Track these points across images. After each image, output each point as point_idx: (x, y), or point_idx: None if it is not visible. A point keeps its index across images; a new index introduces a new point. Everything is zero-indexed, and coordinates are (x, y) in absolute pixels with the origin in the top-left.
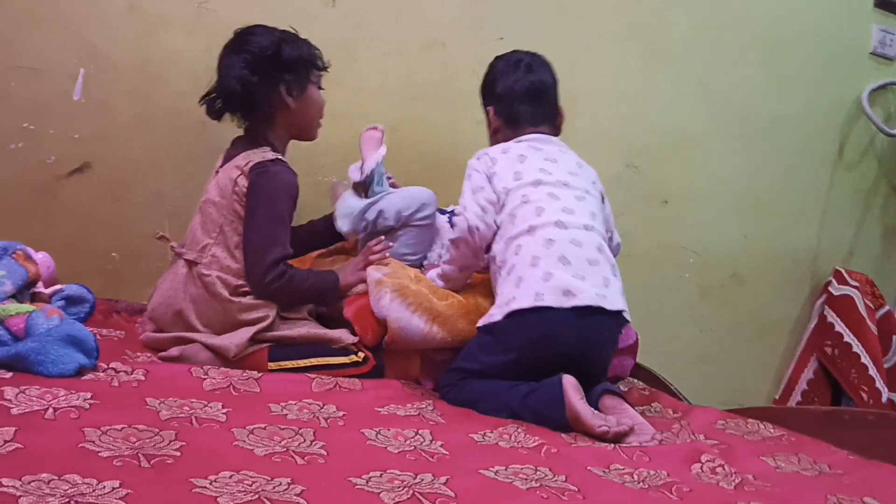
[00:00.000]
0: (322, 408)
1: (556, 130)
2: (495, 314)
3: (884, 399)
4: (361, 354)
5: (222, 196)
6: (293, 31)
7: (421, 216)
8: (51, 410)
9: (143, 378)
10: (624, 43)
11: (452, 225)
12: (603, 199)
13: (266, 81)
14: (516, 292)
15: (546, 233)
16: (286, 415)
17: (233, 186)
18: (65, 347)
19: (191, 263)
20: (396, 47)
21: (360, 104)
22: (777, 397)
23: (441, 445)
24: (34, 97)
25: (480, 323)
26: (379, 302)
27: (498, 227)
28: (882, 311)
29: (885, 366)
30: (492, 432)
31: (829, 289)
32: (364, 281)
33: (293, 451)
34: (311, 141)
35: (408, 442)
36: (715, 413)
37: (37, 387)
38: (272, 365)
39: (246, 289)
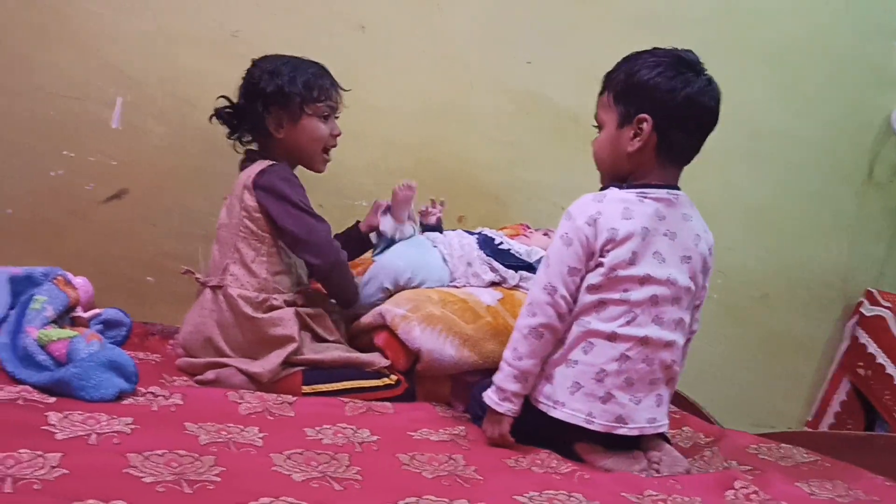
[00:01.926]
0: (356, 432)
1: None
2: (539, 400)
3: None
4: (394, 377)
5: (231, 217)
6: (308, 61)
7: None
8: (94, 435)
9: (181, 402)
10: None
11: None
12: (706, 272)
13: (253, 109)
14: (568, 398)
15: (626, 348)
16: (321, 439)
17: (240, 204)
18: (105, 372)
19: (214, 289)
20: (419, 68)
21: (382, 125)
22: (809, 419)
23: (475, 470)
24: (74, 125)
25: (518, 388)
26: (410, 334)
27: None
28: None
29: None
30: (524, 458)
31: (861, 309)
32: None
33: (330, 477)
34: (317, 172)
35: (442, 467)
36: (747, 437)
37: (79, 412)
38: (306, 388)
39: (270, 302)
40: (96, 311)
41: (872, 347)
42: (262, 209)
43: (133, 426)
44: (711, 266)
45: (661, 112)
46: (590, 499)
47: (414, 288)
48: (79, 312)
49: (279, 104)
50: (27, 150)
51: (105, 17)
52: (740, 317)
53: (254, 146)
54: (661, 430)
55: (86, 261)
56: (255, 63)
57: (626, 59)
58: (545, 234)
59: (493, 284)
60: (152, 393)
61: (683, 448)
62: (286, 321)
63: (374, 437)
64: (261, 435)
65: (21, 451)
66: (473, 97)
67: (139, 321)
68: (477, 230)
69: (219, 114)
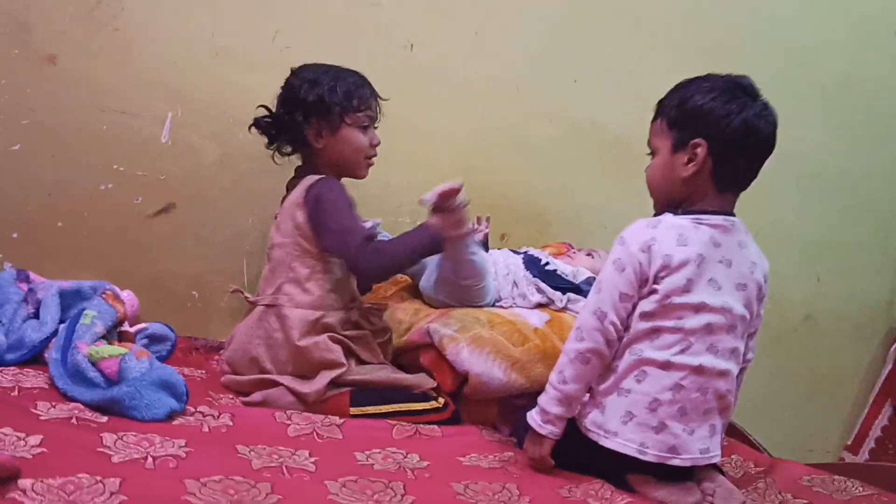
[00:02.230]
0: (406, 457)
1: None
2: (590, 429)
3: None
4: (441, 400)
5: (284, 236)
6: (348, 70)
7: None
8: (150, 459)
9: (230, 423)
10: None
11: (537, 269)
12: (761, 300)
13: (292, 119)
14: (620, 428)
15: (681, 377)
16: (372, 465)
17: (292, 222)
18: (157, 392)
19: (267, 307)
20: (467, 89)
21: (429, 146)
22: (848, 443)
23: (529, 501)
24: (124, 140)
25: (562, 412)
26: (458, 356)
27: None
28: None
29: None
30: (577, 487)
31: None
32: (454, 217)
33: None
34: (360, 179)
35: (496, 497)
36: (799, 468)
37: (133, 433)
38: (354, 410)
39: (325, 320)
40: (142, 325)
41: None
42: (311, 224)
43: (187, 448)
44: (766, 294)
45: (716, 137)
46: None
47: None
48: (125, 327)
49: (319, 114)
50: (79, 165)
51: (163, 39)
52: (783, 340)
53: (297, 160)
54: (713, 461)
55: (132, 274)
56: (295, 72)
57: (680, 85)
58: (588, 255)
59: (539, 306)
60: (201, 412)
61: (734, 478)
62: (334, 348)
63: (425, 463)
64: (312, 459)
65: (80, 475)
66: (521, 120)
67: (183, 336)
68: (522, 250)
69: (257, 123)
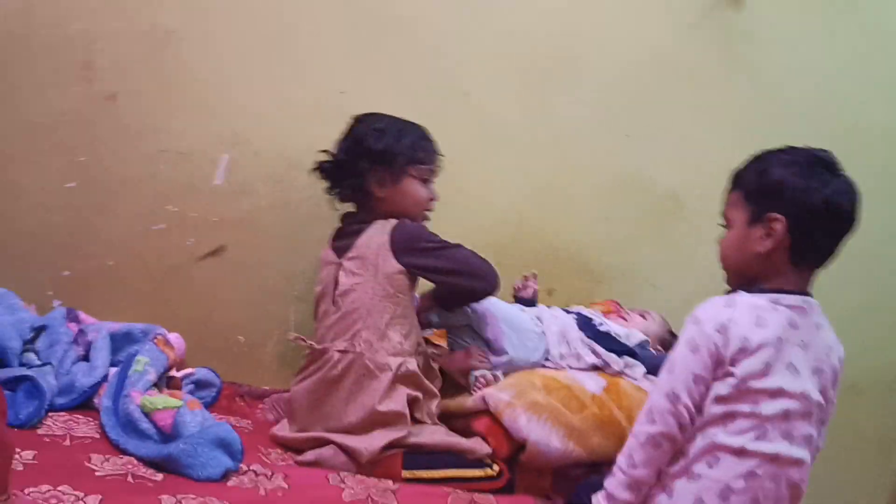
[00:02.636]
0: None
1: None
2: None
3: None
4: (496, 468)
5: (363, 280)
6: (412, 123)
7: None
8: None
9: (285, 486)
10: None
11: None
12: (835, 386)
13: (355, 167)
14: None
15: (755, 465)
16: None
17: (377, 269)
18: (214, 451)
19: (341, 354)
20: (521, 142)
21: (481, 194)
22: None
23: None
24: (179, 180)
25: (630, 498)
26: (516, 423)
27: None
28: None
29: None
30: None
31: None
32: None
33: None
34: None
35: None
36: None
37: (192, 496)
38: (406, 473)
39: (406, 367)
40: (189, 370)
41: None
42: (406, 268)
43: None
44: (840, 379)
45: (795, 212)
46: None
47: (499, 351)
48: (172, 372)
49: (384, 163)
50: (133, 204)
51: (223, 84)
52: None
53: (351, 207)
54: None
55: (179, 316)
56: (360, 119)
57: (759, 157)
58: (642, 316)
59: (594, 368)
60: (254, 471)
61: None
62: (401, 400)
63: None
64: None
65: None
66: (571, 172)
67: (227, 381)
68: (574, 309)
69: (321, 167)
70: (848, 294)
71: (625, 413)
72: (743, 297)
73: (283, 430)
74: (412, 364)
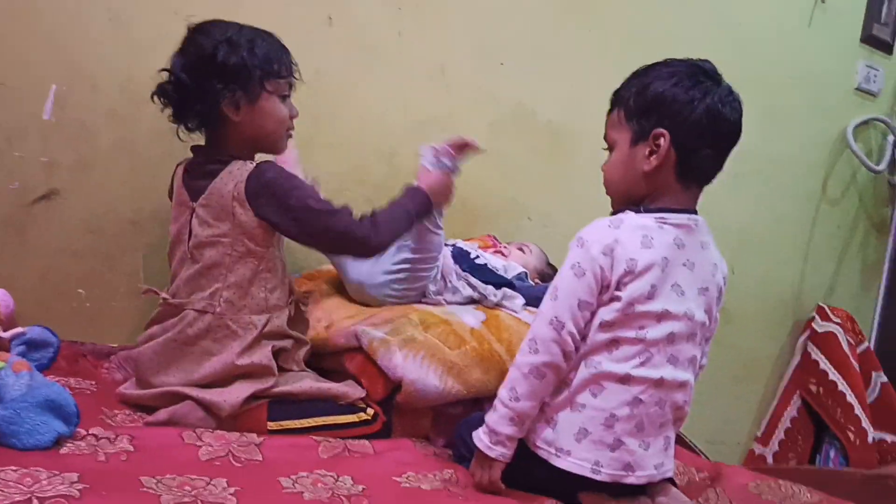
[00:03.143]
0: (337, 480)
1: None
2: (539, 446)
3: (870, 439)
4: (371, 411)
5: (218, 235)
6: (260, 30)
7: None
8: (36, 503)
9: (131, 449)
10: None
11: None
12: (719, 304)
13: (203, 90)
14: (574, 446)
15: (640, 391)
16: (301, 493)
17: (230, 220)
18: (42, 414)
19: (199, 314)
20: (395, 72)
21: (357, 133)
22: (759, 435)
23: None
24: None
25: (513, 432)
26: (391, 362)
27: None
28: (862, 348)
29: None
30: None
31: (813, 325)
32: (447, 181)
33: None
34: (279, 154)
35: None
36: (744, 474)
37: (13, 467)
38: (272, 425)
39: (273, 323)
40: (18, 329)
41: (824, 364)
42: (262, 222)
43: (81, 486)
44: (724, 296)
45: (678, 126)
46: None
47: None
48: None
49: (238, 81)
50: None
51: (53, 7)
52: None
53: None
54: (667, 476)
55: (7, 270)
56: (199, 30)
57: (638, 73)
58: (520, 249)
59: (471, 302)
60: (94, 435)
61: (679, 486)
62: (266, 353)
63: (360, 488)
64: (231, 490)
65: None
66: (449, 105)
67: (67, 340)
68: (450, 242)
69: (162, 90)
70: (724, 217)
71: (504, 346)
72: (629, 217)
73: (130, 387)
74: (280, 319)
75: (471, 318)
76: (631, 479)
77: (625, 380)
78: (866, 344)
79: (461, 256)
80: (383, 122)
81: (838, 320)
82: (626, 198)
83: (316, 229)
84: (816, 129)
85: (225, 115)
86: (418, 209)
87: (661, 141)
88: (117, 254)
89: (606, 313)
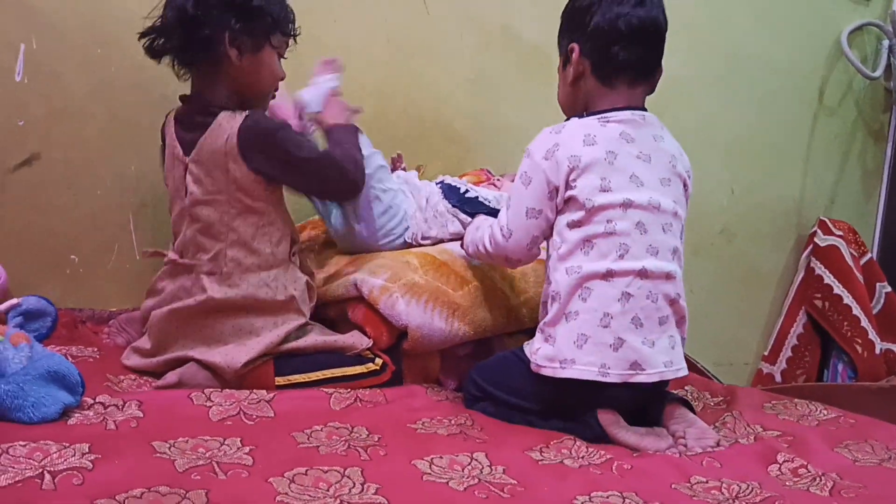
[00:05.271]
0: (352, 431)
1: (651, 90)
2: (543, 365)
3: (877, 350)
4: (379, 361)
5: (214, 192)
6: None
7: None
8: (48, 477)
9: (140, 414)
10: None
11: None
12: (687, 197)
13: (209, 20)
14: (577, 353)
15: (626, 284)
16: (318, 447)
17: (225, 176)
18: (45, 386)
19: (206, 275)
20: (378, 2)
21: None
22: (766, 353)
23: (504, 471)
24: None
25: (523, 351)
26: (394, 309)
27: (560, 240)
28: (865, 259)
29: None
30: (548, 448)
31: (815, 239)
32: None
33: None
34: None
35: (466, 471)
36: (758, 395)
37: (21, 442)
38: (280, 380)
39: (284, 279)
40: (13, 301)
41: (829, 278)
42: (257, 176)
43: (93, 456)
44: (691, 190)
45: (582, 35)
46: (647, 499)
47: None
48: None
49: (250, 22)
50: None
51: None
52: (701, 253)
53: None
54: (680, 375)
55: None
56: None
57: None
58: (513, 180)
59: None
60: (102, 404)
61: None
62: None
63: (376, 437)
64: (246, 449)
65: None
66: (433, 30)
67: (64, 308)
68: (438, 179)
69: (162, 25)
70: (714, 136)
71: (507, 282)
72: (572, 122)
73: (135, 356)
74: (288, 273)
75: None
76: (641, 378)
77: (608, 276)
78: (869, 255)
79: (451, 192)
80: (367, 54)
81: (840, 233)
82: (573, 114)
83: (314, 178)
84: (810, 34)
85: (225, 54)
86: (352, 138)
87: (573, 54)
88: (104, 212)
89: (571, 215)
